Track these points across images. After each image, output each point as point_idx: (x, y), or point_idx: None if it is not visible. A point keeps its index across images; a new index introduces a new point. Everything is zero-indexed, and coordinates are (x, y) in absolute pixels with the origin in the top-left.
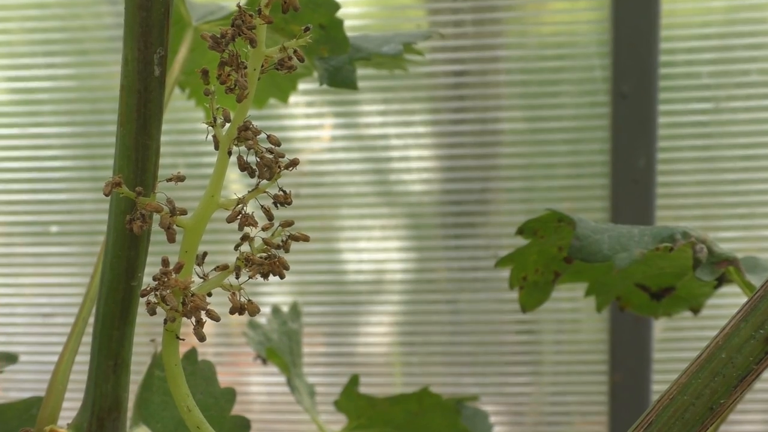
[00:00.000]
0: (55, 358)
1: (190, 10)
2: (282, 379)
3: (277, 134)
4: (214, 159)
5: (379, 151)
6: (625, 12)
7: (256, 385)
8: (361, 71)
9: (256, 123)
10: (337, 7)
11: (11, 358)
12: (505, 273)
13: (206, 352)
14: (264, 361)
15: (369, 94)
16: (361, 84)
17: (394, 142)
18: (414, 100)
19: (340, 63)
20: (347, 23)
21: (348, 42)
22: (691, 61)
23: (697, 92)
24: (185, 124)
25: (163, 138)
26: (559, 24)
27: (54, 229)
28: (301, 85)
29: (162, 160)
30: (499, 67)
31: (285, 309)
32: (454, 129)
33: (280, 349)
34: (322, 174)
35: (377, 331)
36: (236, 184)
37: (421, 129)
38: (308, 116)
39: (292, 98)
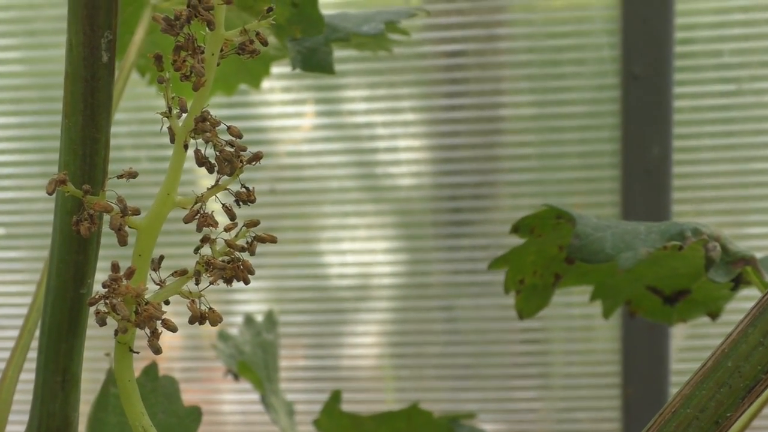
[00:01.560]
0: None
1: None
2: (257, 396)
3: (251, 124)
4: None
5: (364, 141)
6: None
7: (229, 403)
8: (344, 53)
9: (226, 111)
10: None
11: None
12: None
13: (173, 367)
14: (236, 377)
15: (352, 78)
16: (343, 67)
17: (381, 131)
18: (403, 84)
19: (314, 44)
20: (324, 0)
21: (323, 21)
22: (710, 37)
23: (717, 72)
24: (146, 113)
25: (123, 129)
26: None
27: (0, 231)
28: (277, 69)
29: (122, 154)
30: (499, 46)
31: (259, 318)
32: (448, 116)
33: (254, 362)
34: (302, 167)
35: (364, 342)
36: (207, 179)
37: (410, 116)
38: (285, 103)
39: (267, 83)
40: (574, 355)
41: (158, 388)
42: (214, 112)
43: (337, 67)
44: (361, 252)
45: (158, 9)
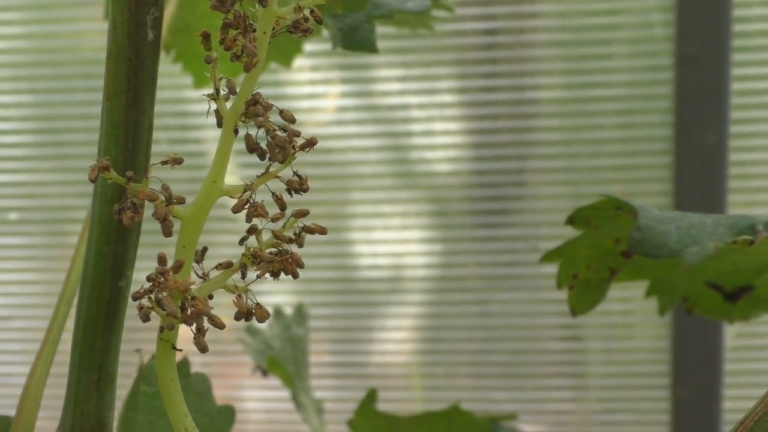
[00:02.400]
0: (13, 369)
1: None
2: (285, 394)
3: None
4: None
5: (397, 124)
6: None
7: (254, 401)
8: (378, 29)
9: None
10: None
11: None
12: (546, 269)
13: (193, 362)
14: (264, 373)
15: (385, 57)
16: (377, 45)
17: (416, 113)
18: (438, 64)
19: (356, 21)
20: None
21: None
22: None
23: None
24: (168, 91)
25: None
26: None
27: (13, 216)
28: (308, 47)
29: None
30: (539, 24)
31: (288, 311)
32: (487, 98)
33: (283, 358)
34: (330, 151)
35: (395, 338)
36: (240, 170)
37: (447, 98)
38: (313, 83)
39: (297, 62)
40: (617, 354)
41: (189, 386)
42: None
43: None
44: (393, 242)
45: None
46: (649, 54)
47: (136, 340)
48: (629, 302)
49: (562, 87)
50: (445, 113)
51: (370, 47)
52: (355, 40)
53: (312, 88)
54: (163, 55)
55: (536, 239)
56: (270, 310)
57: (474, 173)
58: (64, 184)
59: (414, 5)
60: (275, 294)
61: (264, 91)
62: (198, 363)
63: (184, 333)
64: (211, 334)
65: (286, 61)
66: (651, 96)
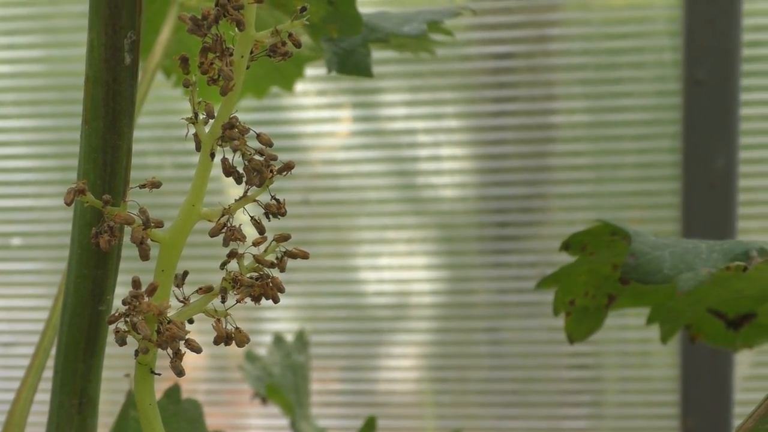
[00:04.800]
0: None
1: None
2: (286, 421)
3: (282, 129)
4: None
5: (404, 149)
6: None
7: (256, 429)
8: (383, 53)
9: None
10: None
11: None
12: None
13: (196, 389)
14: (263, 401)
15: (392, 81)
16: (382, 69)
17: (423, 138)
18: (446, 88)
19: (351, 45)
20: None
21: (361, 20)
22: None
23: None
24: (172, 116)
25: (147, 134)
26: None
27: (16, 241)
28: (311, 71)
29: (145, 160)
30: (550, 48)
31: (289, 338)
32: (495, 123)
33: (283, 385)
34: (337, 176)
35: (402, 365)
36: (235, 189)
37: (454, 123)
38: (319, 107)
39: (302, 86)
40: (628, 383)
41: (181, 412)
42: (243, 117)
43: (376, 69)
44: (399, 268)
45: (185, 6)
46: (657, 79)
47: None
48: (641, 330)
49: (570, 112)
50: (452, 138)
51: (365, 71)
52: (351, 65)
53: (318, 112)
54: (163, 78)
55: (545, 266)
56: (270, 337)
57: (481, 199)
58: (68, 210)
59: (410, 29)
60: (280, 321)
61: (269, 116)
62: (202, 390)
63: (192, 359)
64: (216, 361)
65: (287, 85)
66: (660, 121)
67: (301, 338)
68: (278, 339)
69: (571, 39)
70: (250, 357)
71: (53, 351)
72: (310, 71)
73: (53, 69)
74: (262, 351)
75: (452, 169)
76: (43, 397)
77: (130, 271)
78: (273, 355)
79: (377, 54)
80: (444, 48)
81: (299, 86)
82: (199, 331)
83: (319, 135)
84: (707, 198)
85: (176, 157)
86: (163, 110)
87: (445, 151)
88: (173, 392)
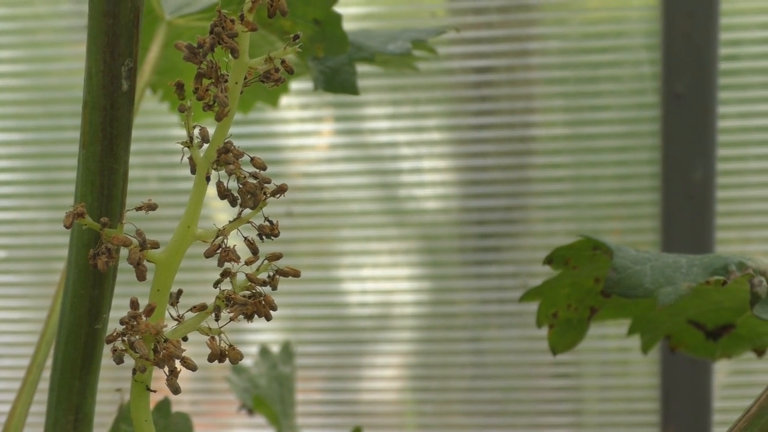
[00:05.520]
0: (4, 409)
1: (162, 1)
2: None
3: (266, 142)
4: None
5: (386, 162)
6: None
7: None
8: (365, 67)
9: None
10: None
11: None
12: (537, 306)
13: (181, 400)
14: (250, 412)
15: (375, 95)
16: (365, 83)
17: (405, 151)
18: (428, 102)
19: (338, 64)
20: (347, 11)
21: (347, 40)
22: (756, 53)
23: (764, 91)
24: (157, 129)
25: (132, 147)
26: (600, 11)
27: (1, 254)
28: (295, 85)
29: (130, 173)
30: (530, 62)
31: (275, 349)
32: (477, 135)
33: (269, 397)
34: (320, 189)
35: (385, 375)
36: (223, 213)
37: (436, 135)
38: (303, 120)
39: (285, 100)
40: (609, 391)
41: (171, 426)
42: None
43: (359, 82)
44: (382, 279)
45: (173, 25)
46: (637, 92)
47: (116, 379)
48: (622, 339)
49: (552, 124)
50: (434, 151)
51: (351, 89)
52: (337, 83)
53: (301, 126)
54: (149, 93)
55: (526, 276)
56: (256, 348)
57: (463, 210)
58: (53, 222)
59: (395, 48)
60: (263, 332)
61: (253, 129)
62: (186, 401)
63: (182, 374)
64: (201, 372)
65: (272, 101)
66: (639, 133)
67: (287, 349)
68: (264, 350)
69: (551, 53)
70: (237, 369)
71: (47, 366)
72: (293, 85)
73: (37, 83)
74: (248, 363)
75: (434, 181)
76: (37, 409)
77: (124, 289)
78: (259, 367)
79: (360, 68)
80: (426, 62)
81: (282, 99)
82: (187, 343)
83: (302, 148)
84: (686, 209)
85: (161, 170)
86: (147, 124)
87: (427, 164)
88: (163, 406)
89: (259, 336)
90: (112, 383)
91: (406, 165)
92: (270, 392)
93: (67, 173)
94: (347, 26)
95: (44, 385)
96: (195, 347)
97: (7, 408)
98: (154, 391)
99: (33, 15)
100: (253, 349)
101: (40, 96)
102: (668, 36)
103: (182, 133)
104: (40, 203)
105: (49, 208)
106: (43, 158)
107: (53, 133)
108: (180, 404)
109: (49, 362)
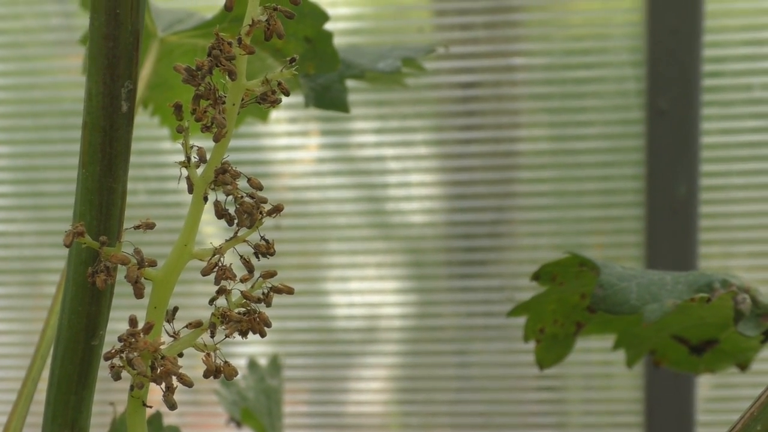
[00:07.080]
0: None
1: (155, 18)
2: None
3: (253, 156)
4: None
5: (373, 176)
6: (663, 13)
7: None
8: (352, 81)
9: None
10: (326, 18)
11: None
12: (522, 320)
13: (169, 412)
14: (238, 425)
15: (362, 109)
16: (352, 97)
17: (392, 165)
18: (415, 116)
19: (328, 81)
20: (337, 26)
21: (338, 57)
22: (740, 70)
23: (747, 107)
24: (146, 143)
25: None
26: (585, 27)
27: None
28: (284, 99)
29: None
30: (516, 77)
31: (263, 362)
32: (463, 150)
33: (257, 409)
34: (307, 202)
35: (371, 388)
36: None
37: (423, 150)
38: (291, 134)
39: (273, 113)
40: (592, 404)
41: None
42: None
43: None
44: (369, 292)
45: (165, 42)
46: (620, 108)
47: (109, 393)
48: (606, 353)
49: (537, 139)
50: (420, 165)
51: (342, 107)
52: (327, 100)
53: (289, 139)
54: (140, 108)
55: (512, 290)
56: (245, 361)
57: (450, 224)
58: (41, 234)
59: (385, 66)
60: (251, 344)
61: (241, 143)
62: (174, 414)
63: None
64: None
65: (262, 116)
66: (623, 149)
67: (275, 362)
68: (252, 363)
69: (536, 69)
70: (225, 382)
71: (42, 380)
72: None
73: (25, 96)
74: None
75: (421, 195)
76: (33, 420)
77: (118, 306)
78: (247, 380)
79: (347, 82)
80: (413, 77)
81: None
82: (182, 361)
83: (289, 161)
84: (670, 224)
85: (149, 183)
86: (135, 137)
87: (413, 178)
88: (155, 420)
89: (245, 348)
90: (102, 395)
91: (393, 179)
92: (258, 405)
93: (54, 186)
94: (335, 41)
95: (39, 397)
96: (186, 360)
97: (3, 419)
98: (150, 407)
99: (22, 29)
100: (241, 361)
101: (28, 109)
102: (652, 53)
103: (171, 146)
104: (28, 215)
105: (36, 220)
106: (30, 171)
107: (41, 146)
108: (167, 416)
109: (44, 375)
